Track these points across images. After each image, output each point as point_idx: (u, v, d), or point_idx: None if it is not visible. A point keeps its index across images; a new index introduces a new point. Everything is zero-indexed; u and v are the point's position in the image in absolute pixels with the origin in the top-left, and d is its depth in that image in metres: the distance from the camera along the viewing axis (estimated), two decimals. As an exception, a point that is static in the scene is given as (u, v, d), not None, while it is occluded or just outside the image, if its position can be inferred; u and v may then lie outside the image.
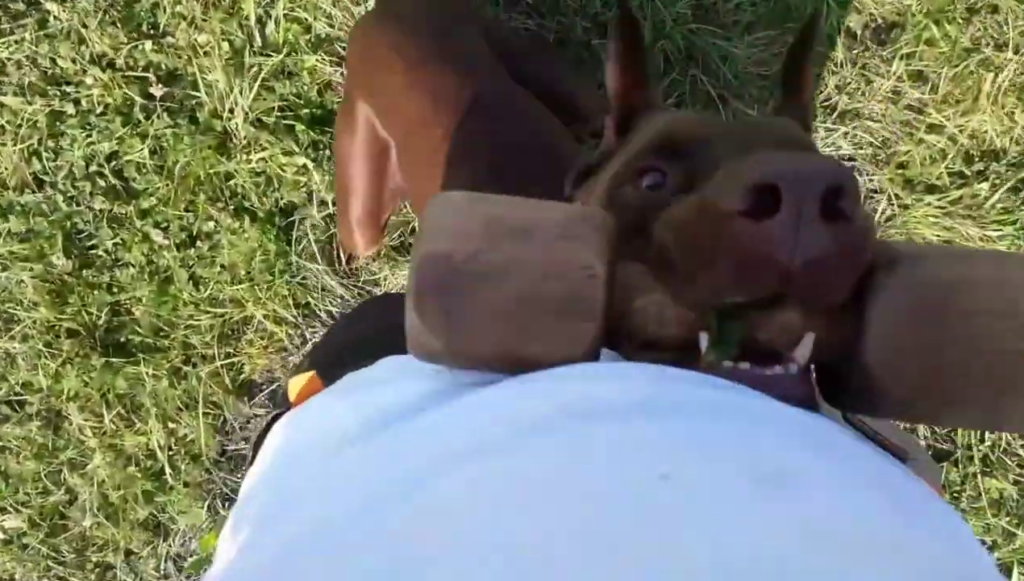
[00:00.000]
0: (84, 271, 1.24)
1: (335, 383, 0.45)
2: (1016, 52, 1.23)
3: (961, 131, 1.24)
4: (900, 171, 1.26)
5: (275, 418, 0.47)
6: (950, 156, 1.24)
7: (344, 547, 0.27)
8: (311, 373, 0.48)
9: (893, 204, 1.26)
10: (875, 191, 1.26)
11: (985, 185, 1.25)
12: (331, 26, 1.21)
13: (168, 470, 1.27)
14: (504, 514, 0.25)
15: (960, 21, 1.24)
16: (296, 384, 0.48)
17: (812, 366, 0.37)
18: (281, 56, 1.21)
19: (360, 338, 0.54)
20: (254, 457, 0.47)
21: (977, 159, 1.26)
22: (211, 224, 1.23)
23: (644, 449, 0.27)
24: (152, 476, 1.28)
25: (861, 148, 1.26)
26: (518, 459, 0.28)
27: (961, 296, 0.33)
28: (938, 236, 1.26)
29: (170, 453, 1.28)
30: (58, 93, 1.20)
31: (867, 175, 1.26)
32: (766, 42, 1.24)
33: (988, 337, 0.32)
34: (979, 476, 1.25)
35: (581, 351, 0.34)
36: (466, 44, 0.88)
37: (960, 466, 1.26)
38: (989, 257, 0.35)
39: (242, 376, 1.28)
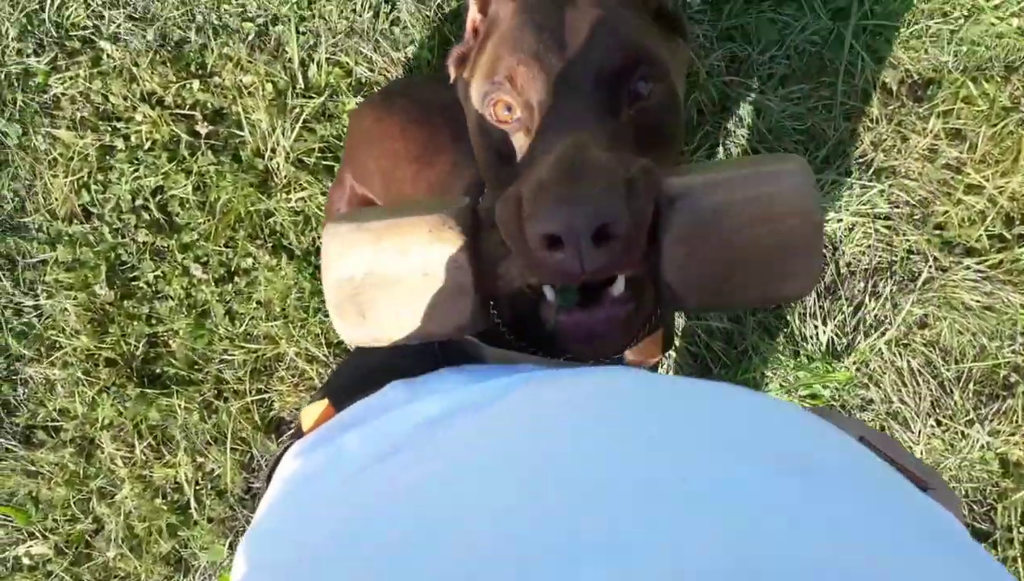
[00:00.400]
0: (125, 302, 1.26)
1: (346, 410, 0.49)
2: (1056, 113, 1.23)
3: (1001, 192, 1.23)
4: (938, 232, 1.25)
5: (287, 449, 0.49)
6: (989, 218, 1.23)
7: (359, 566, 0.28)
8: (324, 402, 0.52)
9: (931, 266, 1.24)
10: (912, 252, 1.25)
11: (1026, 248, 1.24)
12: (371, 70, 1.24)
13: (194, 504, 1.28)
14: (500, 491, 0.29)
15: (999, 80, 1.24)
16: (309, 413, 0.52)
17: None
18: (323, 98, 1.24)
19: (369, 368, 0.58)
20: (268, 483, 0.49)
21: (1018, 222, 1.24)
22: (249, 260, 1.26)
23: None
24: (178, 510, 1.29)
25: (898, 206, 1.25)
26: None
27: (726, 216, 0.43)
28: (978, 301, 1.24)
29: (196, 487, 1.29)
30: (109, 128, 1.24)
31: (904, 235, 1.25)
32: (800, 96, 1.24)
33: (752, 241, 0.43)
34: (1019, 560, 1.22)
35: (467, 318, 0.46)
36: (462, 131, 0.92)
37: (1000, 548, 1.23)
38: (743, 179, 0.44)
39: (272, 413, 1.29)
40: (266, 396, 1.28)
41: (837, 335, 1.28)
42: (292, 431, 0.54)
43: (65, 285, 1.26)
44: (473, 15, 0.67)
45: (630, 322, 0.48)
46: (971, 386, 1.27)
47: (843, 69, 1.24)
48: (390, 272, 0.46)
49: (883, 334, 1.27)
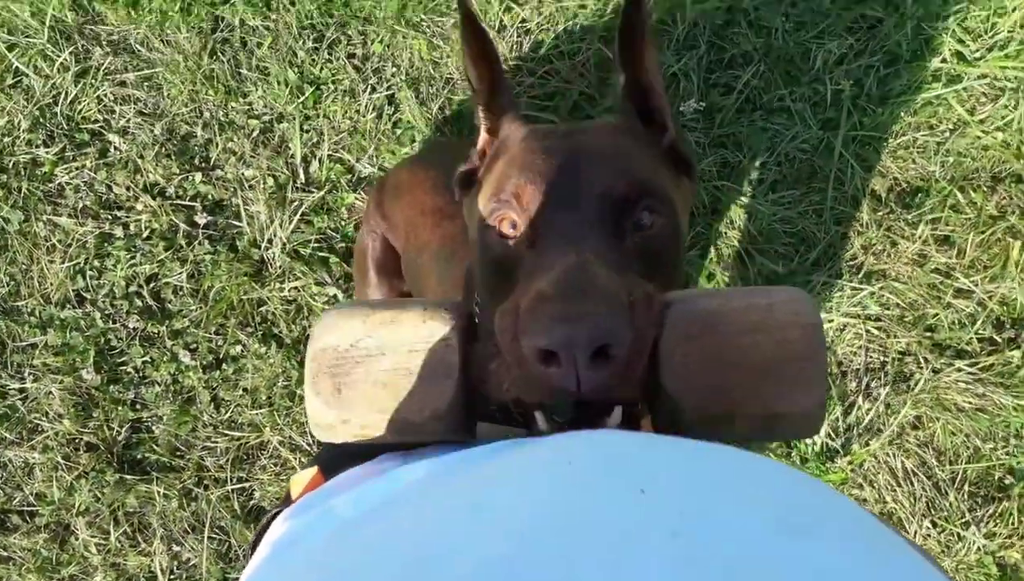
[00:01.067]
0: (111, 386, 1.26)
1: (336, 478, 0.48)
2: (1043, 222, 1.24)
3: (990, 297, 1.23)
4: (929, 334, 1.24)
5: (275, 516, 0.48)
6: (979, 321, 1.23)
7: None
8: (314, 469, 0.51)
9: (922, 368, 1.23)
10: (903, 353, 1.25)
11: (1017, 353, 1.23)
12: (371, 166, 1.27)
13: (167, 596, 1.24)
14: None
15: (985, 189, 1.26)
16: (299, 480, 0.51)
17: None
18: (322, 192, 1.27)
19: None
20: (253, 550, 0.48)
21: (1008, 326, 1.24)
22: (238, 348, 1.26)
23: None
24: (150, 602, 1.25)
25: (888, 309, 1.25)
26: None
27: (723, 320, 0.43)
28: (970, 403, 1.22)
29: (171, 577, 1.25)
30: (109, 217, 1.27)
31: (895, 337, 1.25)
32: (791, 200, 1.26)
33: (752, 346, 0.42)
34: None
35: (447, 402, 0.44)
36: None
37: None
38: (741, 292, 0.45)
39: (252, 502, 1.26)
40: (247, 485, 1.26)
41: (830, 436, 1.25)
42: (282, 499, 0.53)
43: (52, 369, 1.26)
44: (483, 137, 0.71)
45: None
46: (966, 487, 1.24)
47: (833, 176, 1.26)
48: (376, 345, 0.45)
49: (878, 435, 1.25)
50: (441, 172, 1.02)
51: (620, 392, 0.43)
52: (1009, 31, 1.25)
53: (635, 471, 0.33)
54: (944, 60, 1.25)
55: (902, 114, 1.26)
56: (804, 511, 0.31)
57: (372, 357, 0.44)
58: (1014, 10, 1.25)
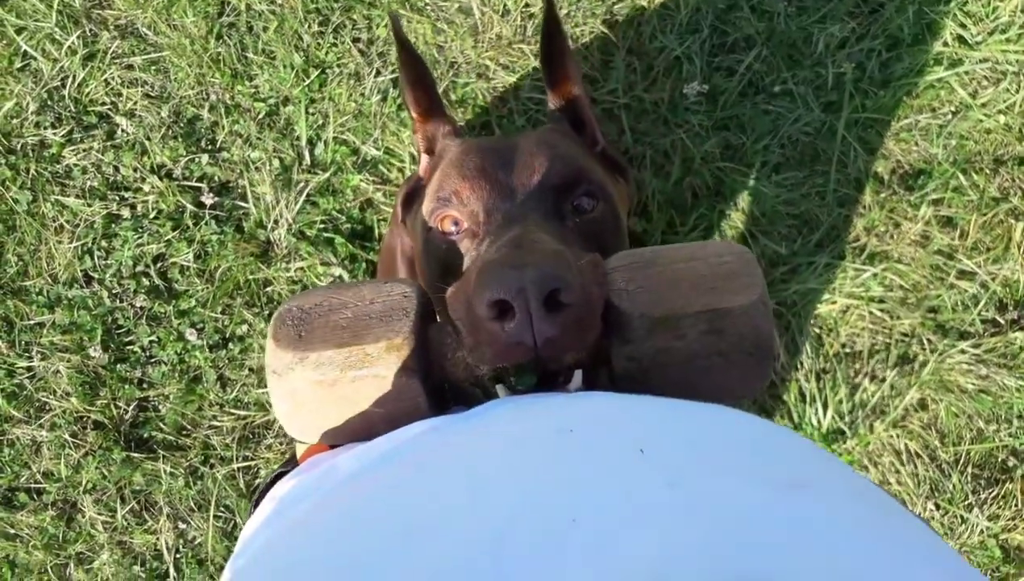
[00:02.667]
0: (118, 365, 1.27)
1: (341, 446, 0.48)
2: (1046, 204, 1.24)
3: (993, 278, 1.24)
4: (932, 315, 1.25)
5: (278, 476, 0.49)
6: (982, 303, 1.23)
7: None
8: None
9: (925, 349, 1.24)
10: (907, 335, 1.25)
11: (1020, 334, 1.23)
12: (376, 149, 1.28)
13: (173, 573, 1.25)
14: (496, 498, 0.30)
15: (988, 172, 1.26)
16: (305, 446, 0.51)
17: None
18: (328, 174, 1.28)
19: None
20: (255, 508, 0.48)
21: (1011, 307, 1.24)
22: (244, 327, 1.27)
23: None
24: (156, 578, 1.26)
25: (891, 290, 1.26)
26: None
27: (662, 255, 0.46)
28: (973, 384, 1.23)
29: (176, 555, 1.26)
30: (117, 198, 1.28)
31: (898, 318, 1.25)
32: (794, 182, 1.27)
33: (690, 270, 0.45)
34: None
35: (402, 337, 0.44)
36: None
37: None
38: (678, 246, 0.47)
39: (257, 480, 1.27)
40: (252, 463, 1.26)
41: (835, 418, 1.26)
42: (287, 459, 0.54)
43: (60, 347, 1.27)
44: (424, 158, 0.75)
45: None
46: (970, 469, 1.24)
47: (836, 159, 1.27)
48: (339, 302, 0.46)
49: (883, 416, 1.25)
50: None
51: (574, 350, 0.44)
52: (1010, 15, 1.26)
53: (633, 432, 0.33)
54: (946, 44, 1.26)
55: (904, 97, 1.27)
56: (796, 467, 0.32)
57: (334, 310, 0.46)
58: (1016, -7, 1.26)
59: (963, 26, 1.26)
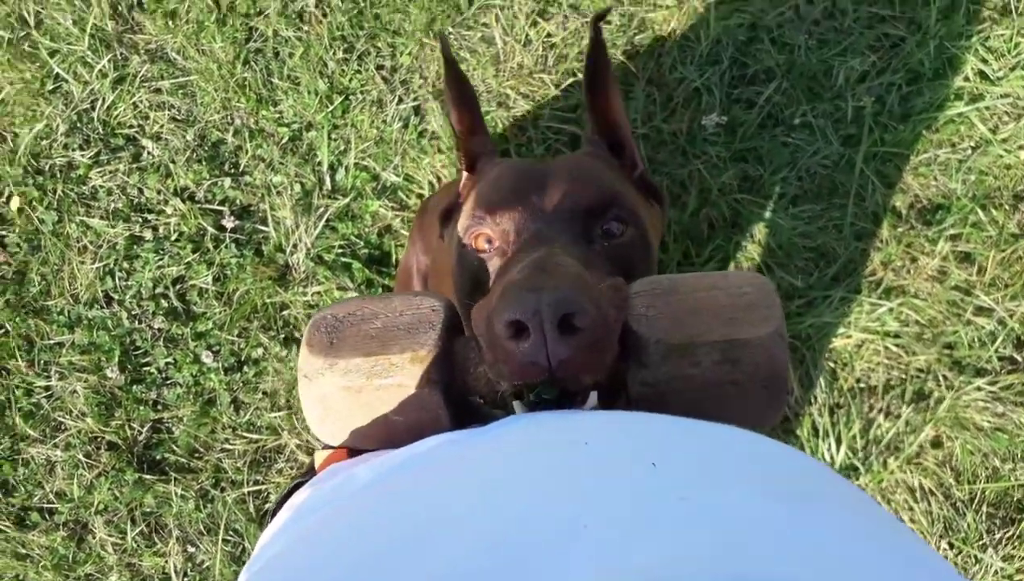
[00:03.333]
0: (134, 386, 1.28)
1: (361, 455, 0.49)
2: (1065, 242, 1.24)
3: (1011, 315, 1.23)
4: (948, 351, 1.24)
5: (297, 485, 0.49)
6: (999, 340, 1.22)
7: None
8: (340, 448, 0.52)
9: (940, 385, 1.23)
10: (922, 370, 1.24)
11: (1039, 372, 1.22)
12: (396, 175, 1.29)
13: (181, 597, 1.24)
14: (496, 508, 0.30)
15: (1007, 208, 1.26)
16: (323, 453, 0.52)
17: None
18: (348, 200, 1.29)
19: None
20: (273, 517, 0.49)
21: (1029, 345, 1.23)
22: (260, 351, 1.27)
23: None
24: (164, 602, 1.25)
25: (907, 325, 1.25)
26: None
27: (682, 283, 0.47)
28: (989, 422, 1.21)
29: (184, 579, 1.25)
30: (140, 219, 1.30)
31: (914, 354, 1.24)
32: (811, 215, 1.27)
33: (710, 299, 0.45)
34: None
35: (427, 349, 0.46)
36: None
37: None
38: (697, 275, 0.48)
39: (267, 505, 1.27)
40: (263, 488, 1.26)
41: (849, 453, 1.24)
42: (305, 469, 0.55)
43: (78, 367, 1.28)
44: (464, 175, 0.76)
45: None
46: (984, 508, 1.22)
47: (853, 192, 1.27)
48: (370, 312, 0.48)
49: (897, 453, 1.23)
50: None
51: (590, 372, 0.45)
52: (1030, 52, 1.26)
53: (647, 447, 0.34)
54: (967, 79, 1.26)
55: (924, 131, 1.27)
56: (801, 481, 0.33)
57: (366, 320, 0.48)
58: (1035, 31, 1.26)
59: (984, 61, 1.27)
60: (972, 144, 1.27)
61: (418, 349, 0.46)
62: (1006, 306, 1.23)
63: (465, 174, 0.77)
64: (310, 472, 0.52)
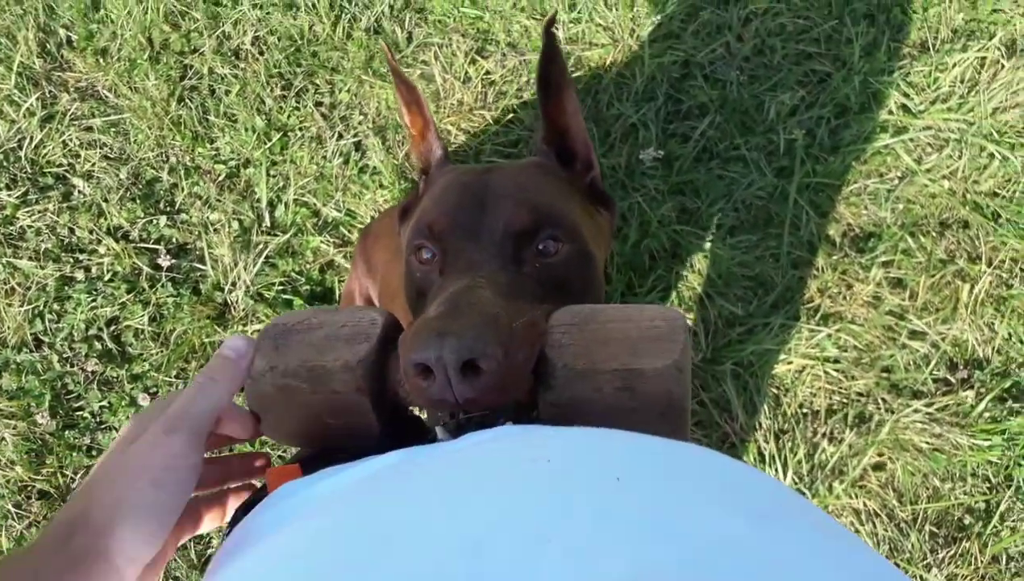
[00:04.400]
0: (66, 432, 1.23)
1: (317, 472, 0.49)
2: (989, 265, 1.28)
3: (943, 339, 1.27)
4: (885, 374, 1.27)
5: (247, 505, 0.49)
6: (933, 362, 1.26)
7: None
8: (294, 465, 0.52)
9: (880, 408, 1.26)
10: (862, 394, 1.27)
11: (971, 393, 1.25)
12: (338, 211, 1.28)
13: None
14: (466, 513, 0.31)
15: (934, 234, 1.30)
16: (276, 472, 0.52)
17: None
18: (287, 236, 1.27)
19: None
20: (227, 536, 0.48)
21: (961, 367, 1.27)
22: (199, 392, 1.24)
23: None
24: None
25: (845, 351, 1.28)
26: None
27: (600, 313, 0.49)
28: (927, 443, 1.24)
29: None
30: (71, 260, 1.26)
31: (853, 379, 1.27)
32: (748, 245, 1.30)
33: (622, 330, 0.48)
34: None
35: (356, 359, 0.49)
36: None
37: None
38: (619, 306, 0.50)
39: (208, 551, 1.23)
40: (203, 534, 1.23)
41: (795, 479, 1.26)
42: (259, 487, 0.54)
43: (6, 414, 1.23)
44: (421, 180, 0.79)
45: None
46: (927, 527, 1.25)
47: (788, 222, 1.30)
48: (317, 322, 0.52)
49: (841, 477, 1.26)
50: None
51: (498, 401, 0.47)
52: (950, 85, 1.32)
53: (610, 462, 0.35)
54: (891, 112, 1.31)
55: (853, 163, 1.31)
56: (765, 499, 0.34)
57: (312, 330, 0.51)
58: (954, 66, 1.32)
59: (907, 95, 1.32)
60: (899, 174, 1.31)
61: (351, 359, 0.49)
62: (937, 330, 1.27)
63: (422, 176, 0.79)
64: (262, 491, 0.51)
